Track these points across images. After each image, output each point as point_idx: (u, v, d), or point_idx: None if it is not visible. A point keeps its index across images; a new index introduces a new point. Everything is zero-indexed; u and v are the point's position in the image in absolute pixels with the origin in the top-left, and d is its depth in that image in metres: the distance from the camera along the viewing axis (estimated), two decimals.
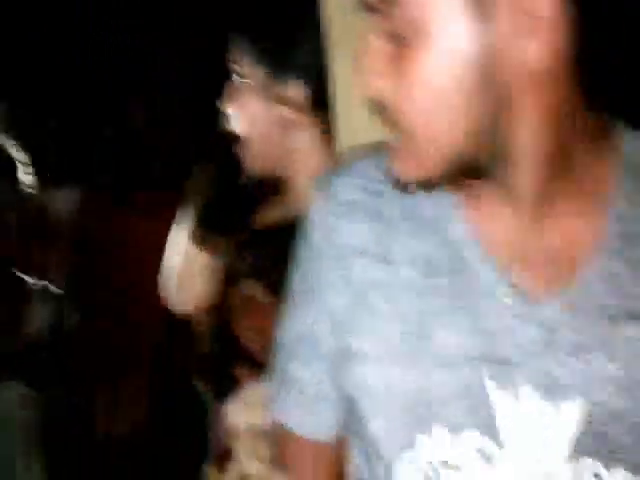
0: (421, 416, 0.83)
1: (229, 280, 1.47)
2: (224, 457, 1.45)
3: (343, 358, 0.89)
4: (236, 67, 1.39)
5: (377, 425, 0.86)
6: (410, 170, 0.80)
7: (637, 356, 0.80)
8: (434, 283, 0.84)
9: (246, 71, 1.38)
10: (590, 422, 0.80)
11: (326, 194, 0.90)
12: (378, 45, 0.77)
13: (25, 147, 2.14)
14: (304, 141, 1.39)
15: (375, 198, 0.88)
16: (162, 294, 1.60)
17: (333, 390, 0.92)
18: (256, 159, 1.42)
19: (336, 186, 0.89)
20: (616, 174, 0.83)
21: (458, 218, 0.84)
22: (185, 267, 1.54)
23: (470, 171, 0.80)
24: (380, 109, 0.79)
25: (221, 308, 1.47)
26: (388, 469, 0.86)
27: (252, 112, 1.39)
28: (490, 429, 0.81)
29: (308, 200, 0.94)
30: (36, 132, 2.48)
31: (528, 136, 0.77)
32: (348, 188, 0.89)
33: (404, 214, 0.86)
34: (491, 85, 0.75)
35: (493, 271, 0.82)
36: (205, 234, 1.51)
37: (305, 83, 1.35)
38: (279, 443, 0.99)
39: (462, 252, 0.83)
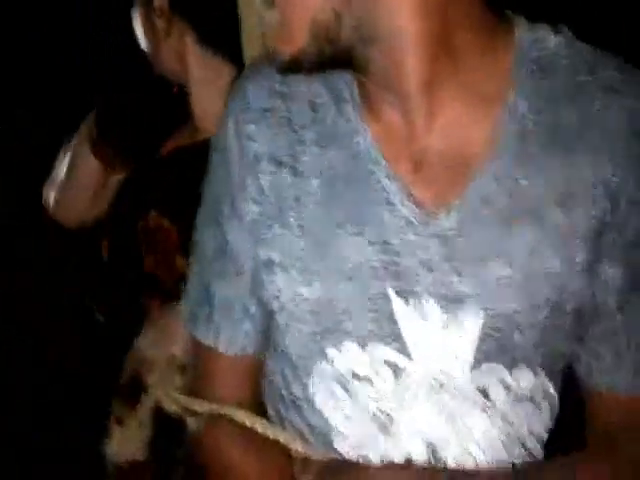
0: (329, 328, 0.85)
1: (136, 210, 1.42)
2: (136, 391, 1.41)
3: (259, 270, 0.88)
4: None
5: (290, 338, 0.88)
6: (284, 46, 0.80)
7: (532, 256, 0.81)
8: (339, 194, 0.84)
9: None
10: (490, 328, 0.82)
11: (239, 100, 0.89)
12: None
13: None
14: (183, 50, 1.40)
15: (287, 104, 0.87)
16: (44, 200, 1.53)
17: (256, 305, 0.91)
18: (159, 71, 1.45)
19: (249, 91, 0.89)
20: (513, 70, 0.81)
21: (363, 131, 0.84)
22: (73, 171, 1.49)
23: (345, 53, 0.79)
24: None
25: (129, 239, 1.43)
26: (305, 386, 0.88)
27: (140, 24, 1.43)
28: (397, 341, 0.83)
29: (212, 118, 0.96)
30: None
31: (401, 16, 0.77)
32: (261, 93, 0.88)
33: (313, 123, 0.86)
34: None
35: (395, 184, 0.82)
36: (101, 141, 1.45)
37: None
38: (202, 363, 0.97)
39: (367, 165, 0.83)
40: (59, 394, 2.28)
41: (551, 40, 0.83)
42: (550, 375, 0.86)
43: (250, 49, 1.24)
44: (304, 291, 0.85)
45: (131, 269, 1.43)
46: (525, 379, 0.84)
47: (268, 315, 0.91)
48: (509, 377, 0.84)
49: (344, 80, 0.86)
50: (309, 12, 0.77)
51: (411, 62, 0.78)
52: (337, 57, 0.80)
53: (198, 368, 0.98)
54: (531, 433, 0.88)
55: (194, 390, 0.96)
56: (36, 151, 1.83)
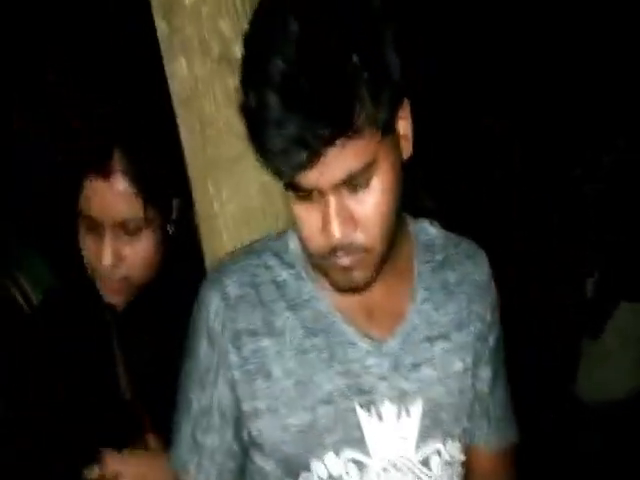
0: (313, 444, 1.16)
1: None
2: None
3: (245, 420, 1.17)
4: None
5: (273, 462, 1.17)
6: (370, 276, 1.12)
7: (447, 362, 1.23)
8: (312, 342, 1.17)
9: None
10: (427, 414, 1.20)
11: (218, 290, 1.18)
12: (340, 204, 1.05)
13: None
14: None
15: (256, 289, 1.18)
16: None
17: (238, 446, 1.20)
18: None
19: (226, 285, 1.18)
20: (414, 247, 1.26)
21: (322, 298, 1.19)
22: None
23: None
24: (342, 249, 1.07)
25: None
26: None
27: None
28: (361, 445, 1.16)
29: None
30: None
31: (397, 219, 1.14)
32: (235, 285, 1.18)
33: (281, 296, 1.19)
34: (401, 184, 1.10)
35: (352, 328, 1.19)
36: None
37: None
38: None
39: (329, 319, 1.19)
40: None
41: (429, 229, 1.29)
42: (463, 446, 1.25)
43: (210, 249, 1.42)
44: (292, 421, 1.15)
45: None
46: (451, 446, 1.22)
47: (247, 450, 1.19)
48: (442, 447, 1.21)
49: (300, 259, 1.19)
50: (388, 249, 1.13)
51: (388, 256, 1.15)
52: None
53: None
54: None
55: None
56: None
